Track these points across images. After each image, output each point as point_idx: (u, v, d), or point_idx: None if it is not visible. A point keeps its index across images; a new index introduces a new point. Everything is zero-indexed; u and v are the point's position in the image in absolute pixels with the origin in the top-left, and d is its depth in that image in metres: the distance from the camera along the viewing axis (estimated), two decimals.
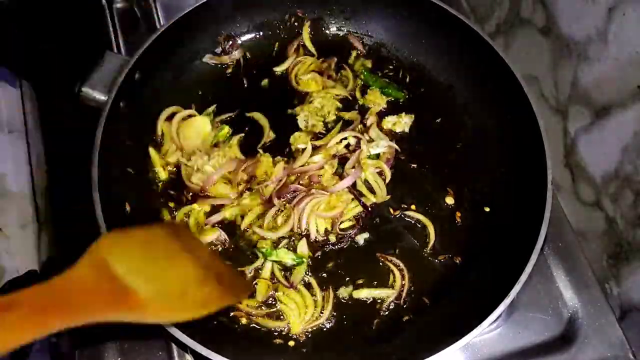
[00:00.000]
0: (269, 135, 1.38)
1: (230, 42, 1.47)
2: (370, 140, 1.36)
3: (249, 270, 1.21)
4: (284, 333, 1.16)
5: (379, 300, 1.20)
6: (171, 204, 1.28)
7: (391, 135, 1.40)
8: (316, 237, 1.25)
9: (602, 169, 1.29)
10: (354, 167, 1.31)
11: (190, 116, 1.37)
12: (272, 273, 1.21)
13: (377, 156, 1.35)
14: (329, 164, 1.31)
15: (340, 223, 1.27)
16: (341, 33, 1.55)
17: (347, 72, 1.48)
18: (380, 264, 1.24)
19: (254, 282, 1.19)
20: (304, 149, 1.32)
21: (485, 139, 1.38)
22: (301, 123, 1.39)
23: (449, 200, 1.32)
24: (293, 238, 1.25)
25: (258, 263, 1.21)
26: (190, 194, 1.28)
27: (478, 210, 1.31)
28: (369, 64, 1.50)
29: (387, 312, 1.19)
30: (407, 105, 1.45)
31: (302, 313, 1.17)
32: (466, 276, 1.22)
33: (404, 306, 1.20)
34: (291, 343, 1.15)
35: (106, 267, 0.78)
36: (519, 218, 1.20)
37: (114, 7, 1.63)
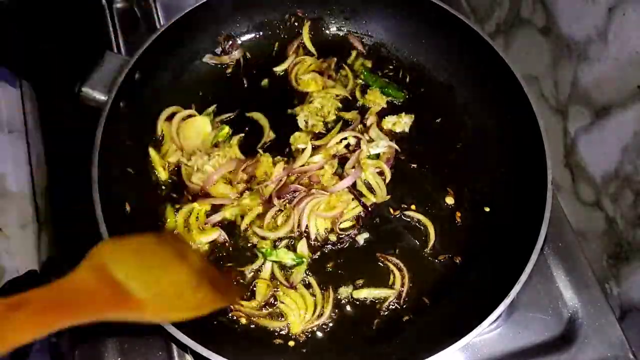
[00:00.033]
0: (269, 135, 1.38)
1: (230, 42, 1.47)
2: (370, 140, 1.36)
3: (249, 271, 1.21)
4: (284, 333, 1.16)
5: (379, 300, 1.20)
6: (173, 206, 1.28)
7: (391, 135, 1.40)
8: (316, 237, 1.25)
9: (602, 169, 1.29)
10: (354, 167, 1.31)
11: (190, 116, 1.37)
12: (272, 273, 1.21)
13: (377, 156, 1.35)
14: (329, 164, 1.31)
15: (340, 223, 1.27)
16: (341, 33, 1.55)
17: (347, 72, 1.48)
18: (380, 264, 1.24)
19: (254, 282, 1.20)
20: (304, 149, 1.32)
21: (485, 139, 1.38)
22: (301, 123, 1.39)
23: (449, 200, 1.32)
24: (293, 238, 1.25)
25: (258, 263, 1.21)
26: (191, 194, 1.28)
27: (478, 210, 1.31)
28: (369, 63, 1.50)
29: (387, 312, 1.19)
30: (407, 105, 1.45)
31: (302, 313, 1.17)
32: (466, 276, 1.22)
33: (404, 306, 1.20)
34: (291, 343, 1.15)
35: (106, 271, 0.81)
36: (519, 218, 1.20)
37: (114, 7, 1.63)
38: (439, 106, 1.45)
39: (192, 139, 1.34)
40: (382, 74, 1.49)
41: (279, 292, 1.19)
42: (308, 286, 1.20)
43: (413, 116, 1.41)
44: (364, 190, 1.31)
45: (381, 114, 1.42)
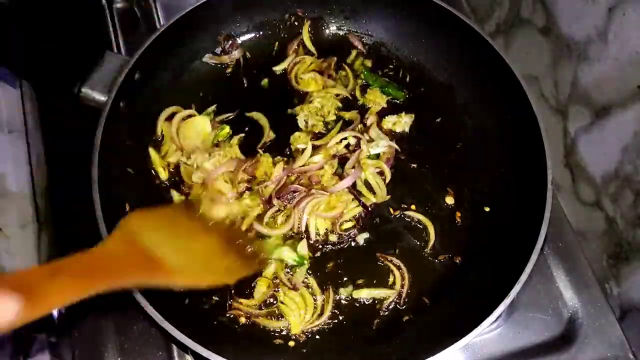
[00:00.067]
0: (269, 135, 1.38)
1: (230, 42, 1.47)
2: (370, 140, 1.36)
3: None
4: (284, 333, 1.16)
5: (379, 300, 1.20)
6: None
7: (391, 135, 1.40)
8: (316, 238, 1.25)
9: (602, 169, 1.28)
10: (354, 167, 1.31)
11: (190, 116, 1.37)
12: (274, 272, 1.21)
13: (377, 156, 1.35)
14: (329, 164, 1.31)
15: (341, 223, 1.27)
16: (341, 32, 1.55)
17: (347, 72, 1.48)
18: (380, 264, 1.24)
19: (255, 281, 1.20)
20: (304, 149, 1.32)
21: (485, 139, 1.38)
22: (301, 123, 1.39)
23: (449, 200, 1.32)
24: (294, 238, 1.25)
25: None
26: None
27: (478, 210, 1.31)
28: (369, 63, 1.50)
29: (387, 312, 1.19)
30: (407, 105, 1.45)
31: (302, 313, 1.17)
32: (466, 276, 1.22)
33: (404, 306, 1.20)
34: (291, 343, 1.15)
35: (136, 239, 0.87)
36: (519, 218, 1.20)
37: (114, 7, 1.63)
38: (439, 106, 1.45)
39: (192, 139, 1.34)
40: (382, 73, 1.49)
41: (279, 292, 1.19)
42: (308, 286, 1.20)
43: (413, 116, 1.41)
44: (364, 190, 1.31)
45: (381, 114, 1.42)
